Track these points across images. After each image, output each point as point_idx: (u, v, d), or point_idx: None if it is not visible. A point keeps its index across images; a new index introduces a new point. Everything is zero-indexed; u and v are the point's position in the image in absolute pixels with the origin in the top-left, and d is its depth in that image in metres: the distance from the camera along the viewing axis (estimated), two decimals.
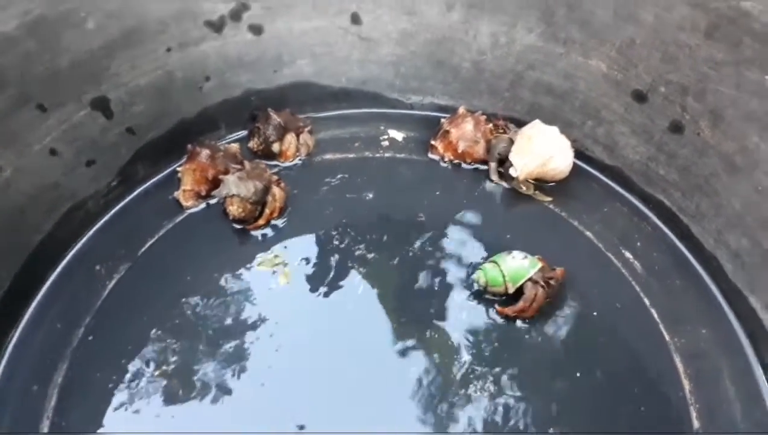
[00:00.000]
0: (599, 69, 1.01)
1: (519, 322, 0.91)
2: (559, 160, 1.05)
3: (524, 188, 1.06)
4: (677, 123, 0.96)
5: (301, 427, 0.81)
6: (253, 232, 1.00)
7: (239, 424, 0.82)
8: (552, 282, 0.91)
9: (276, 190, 1.00)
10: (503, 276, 0.90)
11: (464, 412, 0.83)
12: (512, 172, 1.05)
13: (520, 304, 0.90)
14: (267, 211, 0.99)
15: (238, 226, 1.00)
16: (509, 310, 0.91)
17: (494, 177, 1.08)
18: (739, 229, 0.91)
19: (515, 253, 0.93)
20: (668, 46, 0.92)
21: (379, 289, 0.95)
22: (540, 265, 0.92)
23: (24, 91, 0.85)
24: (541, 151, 1.04)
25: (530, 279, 0.90)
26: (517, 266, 0.90)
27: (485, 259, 0.96)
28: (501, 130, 1.10)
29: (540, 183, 1.08)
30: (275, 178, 1.03)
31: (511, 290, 0.91)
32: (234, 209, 0.97)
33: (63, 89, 0.90)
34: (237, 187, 0.96)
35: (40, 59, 0.85)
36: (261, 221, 0.99)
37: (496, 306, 0.92)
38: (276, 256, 0.97)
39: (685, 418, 0.85)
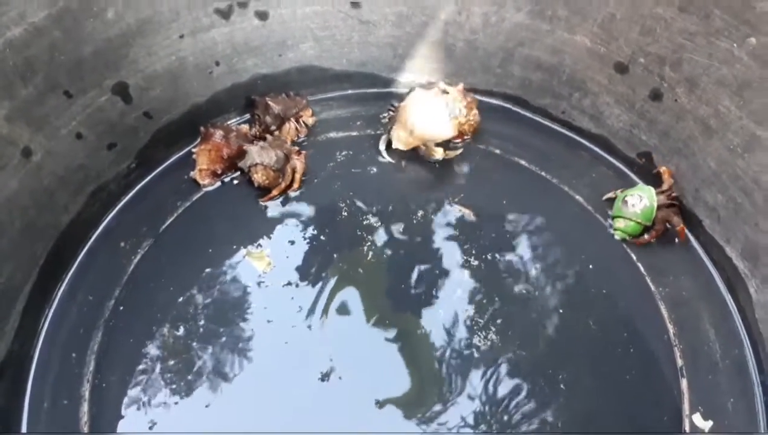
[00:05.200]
0: (583, 44, 1.08)
1: (518, 282, 1.00)
2: (425, 127, 1.09)
3: (432, 155, 1.12)
4: (656, 91, 1.04)
5: (327, 376, 0.89)
6: (268, 205, 1.07)
7: (264, 378, 0.90)
8: (673, 197, 1.03)
9: (296, 159, 1.08)
10: (638, 223, 1.02)
11: (469, 357, 0.91)
12: (393, 146, 1.12)
13: (653, 232, 1.03)
14: (288, 178, 1.07)
15: (261, 193, 1.08)
16: (646, 240, 1.04)
17: (381, 147, 1.15)
18: (714, 187, 1.00)
19: (628, 199, 1.03)
20: (646, 20, 0.99)
21: (386, 254, 1.02)
22: (653, 191, 1.03)
23: (51, 78, 0.90)
24: (407, 121, 1.09)
25: (658, 209, 1.02)
26: (642, 208, 1.02)
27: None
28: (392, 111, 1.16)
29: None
30: (295, 148, 1.10)
31: (649, 224, 1.03)
32: (259, 177, 1.04)
33: (86, 76, 0.95)
34: (260, 156, 1.04)
35: (65, 48, 0.91)
36: (283, 185, 1.07)
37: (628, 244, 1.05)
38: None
39: (670, 358, 0.93)
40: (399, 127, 1.12)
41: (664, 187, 1.05)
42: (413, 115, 1.09)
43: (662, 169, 1.06)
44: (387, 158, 1.14)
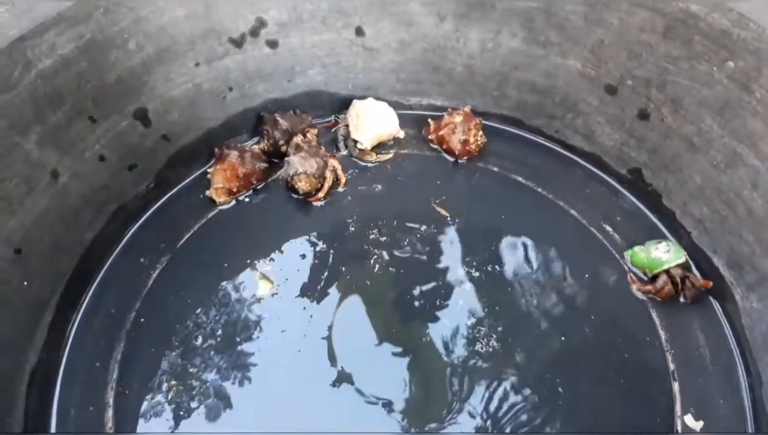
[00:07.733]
0: (575, 67, 1.15)
1: (517, 293, 1.05)
2: (387, 124, 1.24)
3: (367, 157, 1.24)
4: (644, 111, 1.11)
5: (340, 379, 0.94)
6: (280, 224, 1.13)
7: (278, 385, 0.95)
8: (687, 282, 1.02)
9: (334, 163, 1.16)
10: (643, 265, 1.06)
11: (472, 363, 0.97)
12: (359, 146, 1.23)
13: (648, 286, 1.04)
14: (330, 180, 1.15)
15: (301, 198, 1.16)
16: (640, 287, 1.05)
17: (346, 150, 1.26)
18: (700, 200, 1.06)
19: (663, 244, 1.05)
20: (632, 45, 1.06)
21: (392, 267, 1.08)
22: (683, 259, 1.03)
23: (78, 105, 0.97)
24: (370, 120, 1.23)
25: (667, 271, 1.02)
26: (656, 257, 1.04)
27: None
28: (336, 122, 1.29)
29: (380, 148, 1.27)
30: (329, 154, 1.18)
31: (649, 274, 1.06)
32: (302, 184, 1.12)
33: (109, 102, 1.01)
34: (302, 166, 1.11)
35: (90, 77, 0.97)
36: (327, 186, 1.15)
37: (634, 283, 1.07)
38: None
39: (662, 362, 0.99)
40: (361, 131, 1.23)
41: (692, 279, 1.03)
42: (375, 116, 1.24)
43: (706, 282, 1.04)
44: (345, 152, 1.26)
